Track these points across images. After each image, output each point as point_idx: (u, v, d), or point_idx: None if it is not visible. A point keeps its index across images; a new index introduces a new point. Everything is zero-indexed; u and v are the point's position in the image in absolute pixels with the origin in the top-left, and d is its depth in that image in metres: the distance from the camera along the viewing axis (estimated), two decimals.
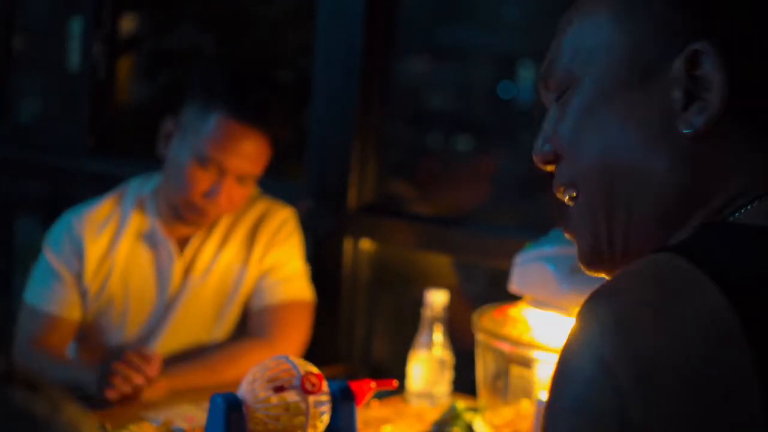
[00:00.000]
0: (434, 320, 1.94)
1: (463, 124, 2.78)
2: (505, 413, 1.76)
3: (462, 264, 2.43)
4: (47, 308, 2.06)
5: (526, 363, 1.71)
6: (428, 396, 1.94)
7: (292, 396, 1.11)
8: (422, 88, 2.82)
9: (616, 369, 0.69)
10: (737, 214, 0.81)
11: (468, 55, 2.68)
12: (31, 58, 3.46)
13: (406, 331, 2.09)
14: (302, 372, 1.12)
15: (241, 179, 2.02)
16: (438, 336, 1.94)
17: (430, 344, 1.93)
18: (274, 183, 2.33)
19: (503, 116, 2.68)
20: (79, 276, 2.07)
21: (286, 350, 1.97)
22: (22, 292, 2.11)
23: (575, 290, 1.68)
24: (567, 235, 0.94)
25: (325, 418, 1.13)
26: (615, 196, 0.85)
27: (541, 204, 2.44)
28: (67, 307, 2.07)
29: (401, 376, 1.92)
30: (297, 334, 2.11)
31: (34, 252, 2.13)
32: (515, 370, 1.73)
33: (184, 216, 2.06)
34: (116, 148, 3.01)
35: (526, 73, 2.65)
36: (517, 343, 1.72)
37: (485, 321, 1.80)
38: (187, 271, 2.11)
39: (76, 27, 3.13)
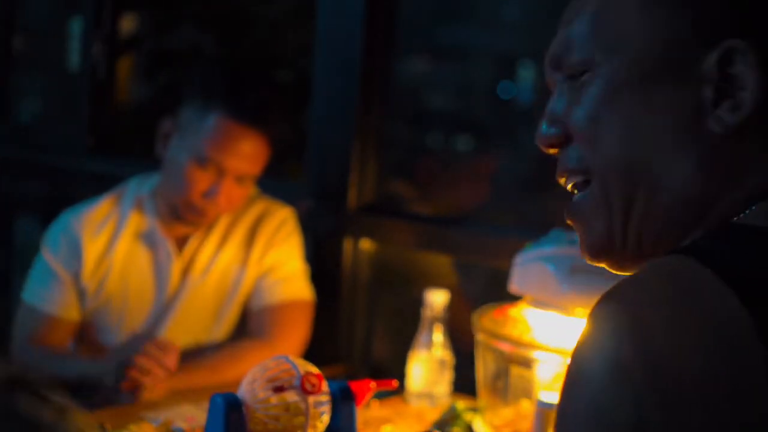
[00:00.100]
0: (434, 320, 1.94)
1: (463, 124, 2.78)
2: (505, 413, 1.75)
3: (462, 264, 2.43)
4: (46, 308, 2.06)
5: (526, 363, 1.71)
6: (428, 396, 1.93)
7: (291, 396, 1.11)
8: (422, 88, 2.82)
9: (632, 371, 0.68)
10: (746, 212, 0.80)
11: (468, 55, 2.68)
12: (31, 58, 3.46)
13: (406, 331, 2.09)
14: (302, 372, 1.12)
15: (239, 179, 2.02)
16: (438, 336, 1.94)
17: (430, 344, 1.93)
18: (274, 183, 2.33)
19: (503, 116, 2.68)
20: (76, 276, 2.07)
21: (286, 350, 1.97)
22: (21, 292, 2.12)
23: (575, 290, 1.68)
24: (569, 222, 0.92)
25: (325, 418, 1.13)
26: (635, 189, 0.83)
27: (541, 204, 2.44)
28: (66, 308, 2.07)
29: (401, 376, 1.92)
30: (297, 334, 2.11)
31: (34, 252, 2.13)
32: (515, 370, 1.73)
33: (183, 216, 2.06)
34: (116, 148, 3.01)
35: (526, 73, 2.65)
36: (517, 343, 1.72)
37: (485, 321, 1.79)
38: (186, 271, 2.11)
39: (76, 27, 3.13)
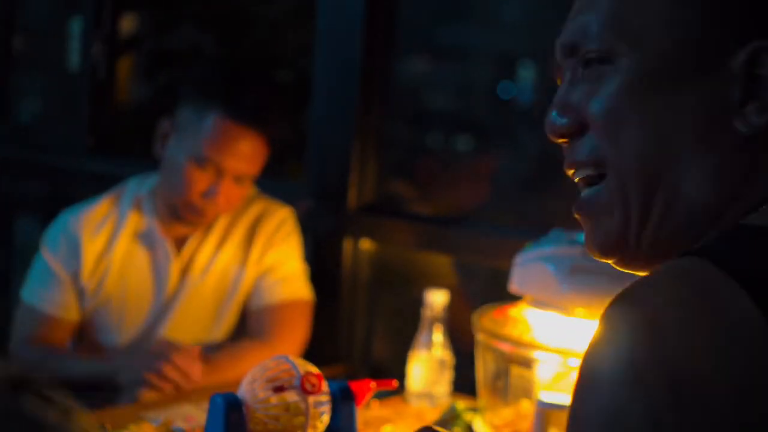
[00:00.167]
0: (434, 320, 1.94)
1: (463, 124, 2.78)
2: (505, 413, 1.75)
3: (462, 264, 2.43)
4: (45, 308, 2.06)
5: (526, 363, 1.71)
6: (428, 396, 1.93)
7: (291, 396, 1.11)
8: (422, 88, 2.81)
9: (645, 373, 0.67)
10: (757, 212, 0.80)
11: (468, 55, 2.68)
12: (31, 58, 3.46)
13: (406, 331, 2.09)
14: (302, 372, 1.12)
15: (238, 179, 2.02)
16: (438, 336, 1.94)
17: (430, 344, 1.93)
18: (274, 183, 2.32)
19: (503, 116, 2.68)
20: (75, 275, 2.07)
21: (286, 350, 1.97)
22: (20, 291, 2.12)
23: (575, 290, 1.68)
24: (577, 216, 0.89)
25: (325, 418, 1.13)
26: (656, 188, 0.82)
27: (541, 204, 2.44)
28: (65, 308, 2.07)
29: (401, 376, 1.92)
30: (296, 333, 2.11)
31: (34, 252, 2.13)
32: (515, 370, 1.73)
33: (182, 216, 2.06)
34: (116, 148, 3.01)
35: (526, 73, 2.65)
36: (517, 343, 1.72)
37: (485, 321, 1.79)
38: (185, 271, 2.11)
39: (76, 27, 3.13)
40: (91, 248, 2.08)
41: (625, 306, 0.72)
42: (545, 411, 1.55)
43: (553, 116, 0.87)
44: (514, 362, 1.73)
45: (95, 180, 2.75)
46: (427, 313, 1.94)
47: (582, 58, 0.86)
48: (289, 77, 3.15)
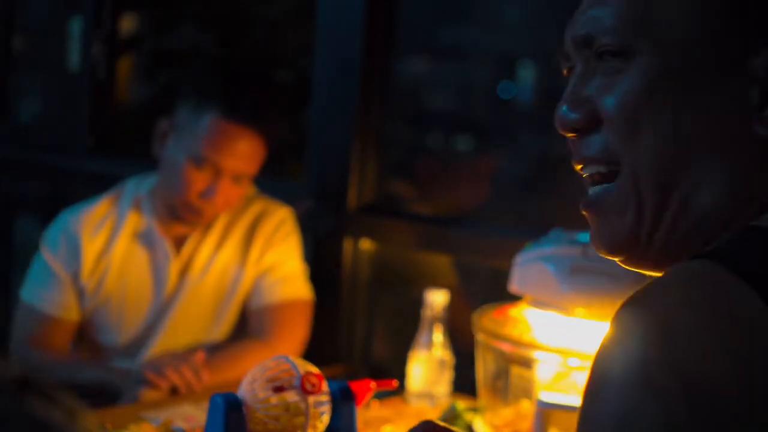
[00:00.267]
0: (434, 320, 1.94)
1: (463, 124, 2.78)
2: (505, 413, 1.75)
3: (462, 264, 2.43)
4: (45, 309, 2.06)
5: (527, 363, 1.71)
6: (428, 396, 1.93)
7: (291, 396, 1.11)
8: (422, 88, 2.82)
9: (657, 374, 0.67)
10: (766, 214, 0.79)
11: (468, 55, 2.68)
12: (31, 58, 3.46)
13: (406, 331, 2.09)
14: (302, 372, 1.12)
15: (236, 179, 2.03)
16: (438, 336, 1.94)
17: (430, 344, 1.93)
18: (274, 183, 2.32)
19: (503, 116, 2.68)
20: (75, 275, 2.07)
21: (286, 350, 1.97)
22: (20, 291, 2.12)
23: (575, 290, 1.68)
24: (584, 213, 0.87)
25: (325, 418, 1.13)
26: (671, 190, 0.80)
27: (541, 204, 2.44)
28: (65, 308, 2.07)
29: (401, 376, 1.92)
30: (296, 333, 2.11)
31: (33, 252, 2.13)
32: (515, 370, 1.73)
33: (180, 216, 2.06)
34: (116, 148, 3.01)
35: (526, 73, 2.65)
36: (517, 343, 1.72)
37: (485, 321, 1.79)
38: (184, 271, 2.11)
39: (76, 27, 3.13)
40: (90, 248, 2.08)
41: (637, 308, 0.71)
42: (545, 411, 1.55)
43: (564, 110, 0.85)
44: (514, 362, 1.73)
45: (95, 180, 2.75)
46: (427, 313, 1.94)
47: (596, 51, 0.84)
48: (289, 77, 3.15)
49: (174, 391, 1.85)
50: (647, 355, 0.68)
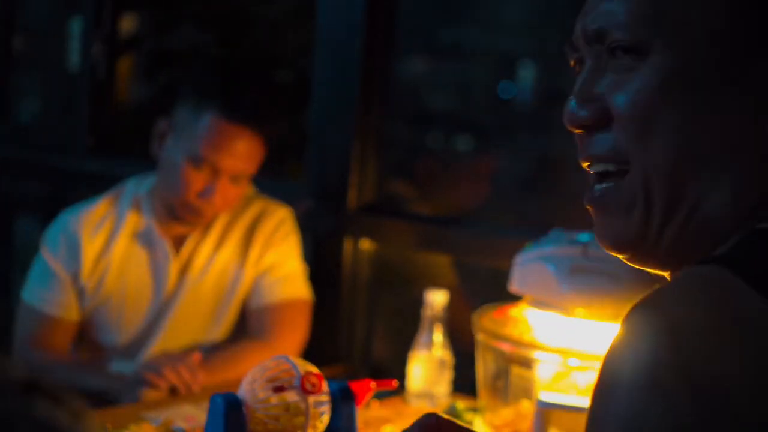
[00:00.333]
0: (434, 320, 1.94)
1: (463, 124, 2.78)
2: (505, 413, 1.75)
3: (462, 264, 2.43)
4: (45, 309, 2.06)
5: (527, 363, 1.71)
6: (428, 396, 1.93)
7: (291, 396, 1.11)
8: (422, 88, 2.82)
9: (666, 376, 0.67)
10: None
11: (468, 55, 2.68)
12: (31, 58, 3.46)
13: (406, 331, 2.09)
14: (302, 372, 1.12)
15: (235, 178, 2.03)
16: (438, 336, 1.94)
17: (430, 344, 1.93)
18: (274, 183, 2.32)
19: (503, 116, 2.68)
20: (75, 275, 2.07)
21: (285, 350, 1.97)
22: (21, 291, 2.12)
23: (575, 290, 1.68)
24: (589, 208, 0.86)
25: (325, 418, 1.13)
26: (682, 192, 0.79)
27: (541, 204, 2.44)
28: (65, 308, 2.07)
29: (401, 376, 1.92)
30: (296, 333, 2.11)
31: (34, 252, 2.13)
32: (515, 370, 1.73)
33: (179, 216, 2.06)
34: (116, 148, 3.01)
35: (526, 73, 2.65)
36: (517, 343, 1.72)
37: (485, 321, 1.79)
38: (183, 271, 2.11)
39: (76, 27, 3.13)
40: (90, 248, 2.08)
41: (648, 310, 0.71)
42: (545, 411, 1.55)
43: (573, 106, 0.83)
44: (514, 362, 1.73)
45: (95, 180, 2.75)
46: (427, 313, 1.94)
47: (608, 46, 0.82)
48: (289, 77, 3.15)
49: (174, 392, 1.85)
50: (657, 356, 0.68)
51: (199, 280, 2.12)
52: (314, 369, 1.14)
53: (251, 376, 1.13)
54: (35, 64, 3.48)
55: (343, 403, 1.17)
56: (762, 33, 0.79)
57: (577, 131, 0.84)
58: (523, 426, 1.72)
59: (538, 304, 1.75)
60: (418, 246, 2.38)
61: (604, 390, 0.71)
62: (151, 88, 3.41)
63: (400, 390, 1.93)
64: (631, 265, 0.86)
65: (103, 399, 1.88)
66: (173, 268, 2.10)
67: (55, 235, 2.09)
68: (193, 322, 2.11)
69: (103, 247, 2.09)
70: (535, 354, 1.69)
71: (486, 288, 2.39)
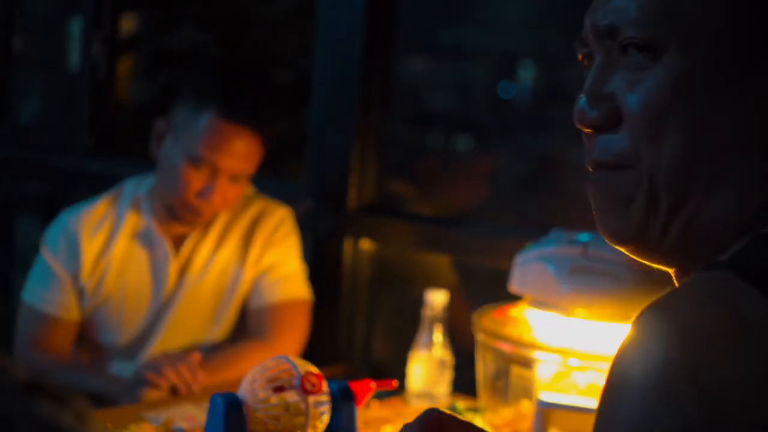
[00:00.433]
0: (434, 320, 1.94)
1: (463, 124, 2.78)
2: (505, 413, 1.76)
3: (462, 264, 2.43)
4: (46, 309, 2.06)
5: (527, 363, 1.71)
6: (428, 396, 1.93)
7: (292, 396, 1.11)
8: (422, 88, 2.82)
9: (676, 380, 0.67)
10: None
11: (468, 55, 2.68)
12: (31, 58, 3.46)
13: (406, 331, 2.09)
14: (302, 372, 1.12)
15: (234, 178, 2.03)
16: (438, 336, 1.94)
17: (430, 344, 1.93)
18: (274, 183, 2.32)
19: (503, 116, 2.68)
20: (75, 275, 2.07)
21: (285, 350, 1.97)
22: (22, 291, 2.12)
23: (575, 290, 1.68)
24: (589, 193, 0.85)
25: (325, 418, 1.13)
26: (690, 189, 0.79)
27: (541, 204, 2.44)
28: (66, 309, 2.07)
29: (401, 376, 1.92)
30: (295, 333, 2.11)
31: (34, 252, 2.13)
32: (515, 370, 1.73)
33: (179, 216, 2.06)
34: (116, 148, 3.01)
35: (526, 73, 2.65)
36: (517, 343, 1.72)
37: (485, 321, 1.79)
38: (183, 271, 2.11)
39: (76, 27, 3.13)
40: (90, 248, 2.08)
41: (658, 313, 0.71)
42: (545, 411, 1.55)
43: (583, 105, 0.82)
44: (514, 362, 1.73)
45: (95, 180, 2.75)
46: (427, 313, 1.94)
47: (620, 43, 0.80)
48: (289, 77, 3.15)
49: (174, 391, 1.85)
50: (668, 357, 0.68)
51: (198, 280, 2.12)
52: (314, 369, 1.14)
53: (251, 376, 1.13)
54: (35, 64, 3.48)
55: (343, 403, 1.17)
56: (763, 33, 0.78)
57: (586, 130, 0.83)
58: (523, 426, 1.72)
59: (538, 304, 1.75)
60: (418, 246, 2.38)
61: (613, 391, 0.71)
62: (151, 88, 3.41)
63: (400, 390, 1.93)
64: (634, 258, 0.86)
65: (103, 400, 1.89)
66: (173, 268, 2.10)
67: (55, 235, 2.09)
68: (192, 322, 2.11)
69: (103, 247, 2.09)
70: (535, 354, 1.69)
71: (486, 288, 2.39)
